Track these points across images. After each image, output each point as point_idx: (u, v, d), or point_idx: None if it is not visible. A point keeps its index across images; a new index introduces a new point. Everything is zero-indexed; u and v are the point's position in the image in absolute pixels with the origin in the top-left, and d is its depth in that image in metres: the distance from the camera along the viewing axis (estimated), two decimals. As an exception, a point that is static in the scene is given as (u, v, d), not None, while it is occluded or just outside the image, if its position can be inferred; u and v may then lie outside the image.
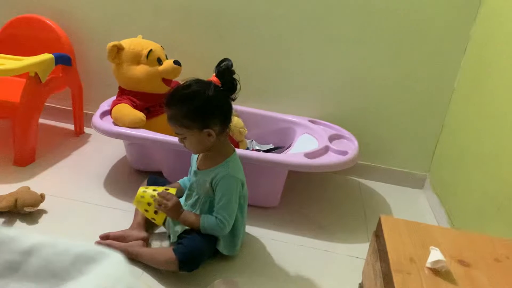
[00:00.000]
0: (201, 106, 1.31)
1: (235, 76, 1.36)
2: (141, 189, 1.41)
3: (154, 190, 1.42)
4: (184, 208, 1.49)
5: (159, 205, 1.37)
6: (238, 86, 1.36)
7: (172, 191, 1.42)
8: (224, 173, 1.38)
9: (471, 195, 1.64)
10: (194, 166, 1.48)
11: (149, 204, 1.39)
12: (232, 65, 1.37)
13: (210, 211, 1.43)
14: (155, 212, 1.40)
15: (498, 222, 1.39)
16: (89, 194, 1.77)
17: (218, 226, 1.38)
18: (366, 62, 2.02)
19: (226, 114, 1.37)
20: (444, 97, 2.01)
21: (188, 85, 1.33)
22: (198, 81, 1.34)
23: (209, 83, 1.33)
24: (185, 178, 1.59)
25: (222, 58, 1.42)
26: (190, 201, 1.48)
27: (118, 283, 0.51)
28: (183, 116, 1.32)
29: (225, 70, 1.35)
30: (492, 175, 1.50)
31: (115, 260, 0.54)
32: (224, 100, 1.35)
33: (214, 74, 1.36)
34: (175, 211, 1.39)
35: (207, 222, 1.39)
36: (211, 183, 1.40)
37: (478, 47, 1.82)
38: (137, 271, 1.39)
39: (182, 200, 1.54)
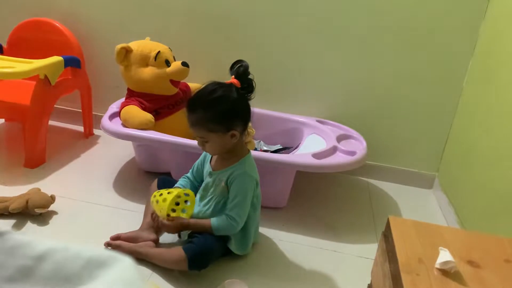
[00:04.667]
0: (228, 109, 1.33)
1: (250, 77, 1.39)
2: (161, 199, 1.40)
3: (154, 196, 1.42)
4: (197, 207, 1.50)
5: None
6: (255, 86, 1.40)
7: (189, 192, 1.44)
8: (240, 171, 1.40)
9: (480, 195, 1.63)
10: (208, 167, 1.49)
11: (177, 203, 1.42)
12: (248, 67, 1.39)
13: (222, 210, 1.44)
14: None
15: (508, 222, 1.38)
16: (99, 196, 1.78)
17: (230, 224, 1.39)
18: (374, 62, 2.01)
19: (248, 114, 1.40)
20: (453, 96, 1.99)
21: (213, 89, 1.34)
22: (221, 85, 1.35)
23: (230, 85, 1.36)
24: (181, 180, 1.58)
25: (230, 60, 1.43)
26: (204, 201, 1.49)
27: (129, 287, 0.52)
28: (209, 120, 1.33)
29: (244, 72, 1.38)
30: (501, 175, 1.49)
31: (126, 264, 0.55)
32: (245, 101, 1.38)
33: (233, 76, 1.38)
34: (177, 228, 1.43)
35: (218, 223, 1.40)
36: (226, 181, 1.41)
37: (487, 46, 1.80)
38: (147, 272, 1.40)
39: (196, 200, 1.55)
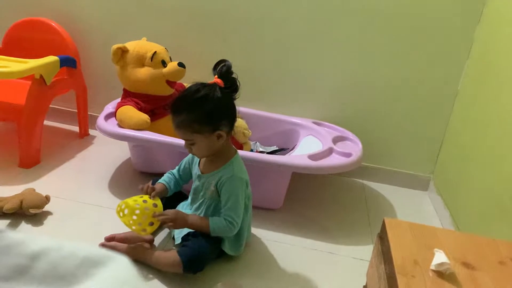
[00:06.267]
0: (213, 109, 1.31)
1: (234, 76, 1.37)
2: (122, 204, 1.37)
3: (135, 201, 1.37)
4: (189, 211, 1.50)
5: (164, 222, 1.36)
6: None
7: (158, 203, 1.40)
8: (229, 174, 1.39)
9: (475, 197, 1.64)
10: (196, 170, 1.49)
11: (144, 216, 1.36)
12: (231, 66, 1.37)
13: (214, 213, 1.44)
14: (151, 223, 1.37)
15: (503, 224, 1.39)
16: (94, 196, 1.78)
17: (228, 227, 1.38)
18: (370, 64, 2.02)
19: (233, 114, 1.38)
20: (448, 99, 2.00)
21: (196, 90, 1.33)
22: (204, 85, 1.34)
23: (214, 85, 1.34)
24: (166, 176, 1.56)
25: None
26: (195, 205, 1.48)
27: (124, 286, 0.51)
28: (194, 121, 1.31)
29: (227, 71, 1.36)
30: (496, 177, 1.50)
31: (121, 263, 0.55)
32: (230, 100, 1.37)
33: (216, 76, 1.37)
34: (181, 222, 1.39)
35: (216, 224, 1.39)
36: (216, 185, 1.40)
37: (482, 49, 1.81)
38: (142, 273, 1.39)
39: (187, 203, 1.55)
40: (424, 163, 2.14)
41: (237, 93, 1.37)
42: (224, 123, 1.35)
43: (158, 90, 1.90)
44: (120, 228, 1.52)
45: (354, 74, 2.05)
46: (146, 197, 1.39)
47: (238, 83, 1.37)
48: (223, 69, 1.36)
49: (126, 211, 1.37)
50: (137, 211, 1.35)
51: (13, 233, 0.58)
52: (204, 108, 1.31)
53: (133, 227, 1.37)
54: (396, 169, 2.18)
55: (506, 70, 1.55)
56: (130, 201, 1.37)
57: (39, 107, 1.93)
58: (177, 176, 1.56)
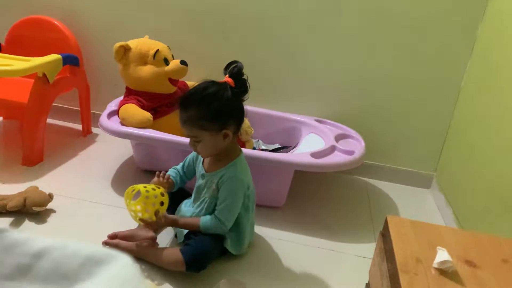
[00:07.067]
0: (221, 107, 1.31)
1: (245, 78, 1.38)
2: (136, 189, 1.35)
3: (147, 192, 1.35)
4: (191, 209, 1.51)
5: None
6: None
7: (165, 201, 1.39)
8: (231, 174, 1.39)
9: (478, 195, 1.63)
10: (201, 169, 1.49)
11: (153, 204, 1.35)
12: (243, 67, 1.38)
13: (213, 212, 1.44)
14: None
15: (506, 222, 1.39)
16: (97, 194, 1.78)
17: (218, 226, 1.39)
18: (373, 62, 2.01)
19: (241, 114, 1.38)
20: (451, 96, 2.00)
21: (206, 86, 1.33)
22: (214, 83, 1.34)
23: (225, 84, 1.34)
24: (172, 171, 1.55)
25: (229, 59, 1.43)
26: (197, 203, 1.49)
27: (126, 285, 0.52)
28: (202, 118, 1.31)
29: (238, 72, 1.37)
30: (499, 175, 1.49)
31: (123, 262, 0.55)
32: (239, 101, 1.37)
33: (227, 75, 1.37)
34: (170, 223, 1.44)
35: (206, 224, 1.40)
36: (217, 183, 1.41)
37: (485, 47, 1.81)
38: (144, 270, 1.40)
39: (189, 202, 1.55)
40: (427, 161, 2.14)
41: (247, 94, 1.38)
42: (232, 122, 1.34)
43: (161, 88, 1.90)
44: (123, 225, 1.52)
45: (357, 71, 2.04)
46: (159, 191, 1.36)
47: (248, 85, 1.38)
48: (235, 70, 1.37)
49: (135, 196, 1.35)
50: (144, 202, 1.33)
51: (16, 233, 0.58)
52: (213, 105, 1.31)
53: (133, 213, 1.34)
54: (399, 167, 2.17)
55: (509, 67, 1.55)
56: (143, 189, 1.34)
57: (42, 105, 1.93)
58: (181, 173, 1.56)
